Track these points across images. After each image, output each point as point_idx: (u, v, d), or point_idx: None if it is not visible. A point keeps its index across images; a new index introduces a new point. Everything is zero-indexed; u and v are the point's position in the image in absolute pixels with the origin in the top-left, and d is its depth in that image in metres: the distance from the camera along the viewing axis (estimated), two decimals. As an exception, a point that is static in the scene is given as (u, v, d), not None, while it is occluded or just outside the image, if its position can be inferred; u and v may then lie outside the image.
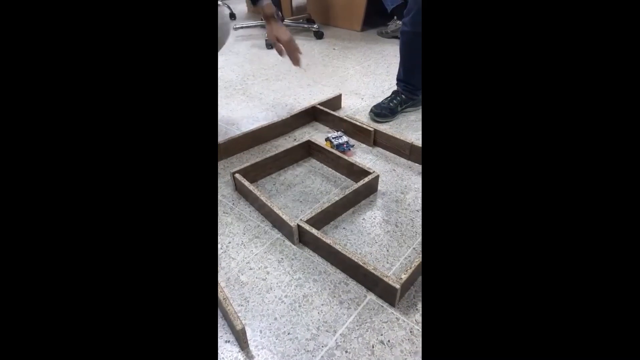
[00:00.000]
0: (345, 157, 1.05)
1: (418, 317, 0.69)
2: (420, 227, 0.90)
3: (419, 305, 0.71)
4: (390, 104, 1.35)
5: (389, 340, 0.66)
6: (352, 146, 1.19)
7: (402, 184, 1.04)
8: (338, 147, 1.14)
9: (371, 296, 0.73)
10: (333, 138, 1.17)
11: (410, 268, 0.71)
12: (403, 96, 1.37)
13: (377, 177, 1.00)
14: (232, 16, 2.72)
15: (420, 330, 0.67)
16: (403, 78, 1.37)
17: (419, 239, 0.86)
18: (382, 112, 1.34)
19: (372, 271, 0.71)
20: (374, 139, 1.21)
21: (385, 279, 0.69)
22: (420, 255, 0.74)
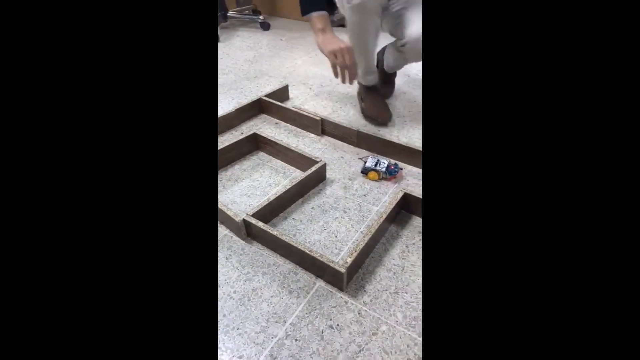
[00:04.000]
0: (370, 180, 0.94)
1: (366, 298, 0.71)
2: (367, 210, 0.92)
3: (367, 287, 0.73)
4: None
5: (337, 324, 0.67)
6: (397, 164, 1.01)
7: (350, 171, 1.06)
8: (389, 172, 0.98)
9: (320, 283, 0.74)
10: (375, 165, 0.99)
11: (356, 251, 0.73)
12: None
13: (325, 165, 1.00)
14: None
15: (368, 310, 0.69)
16: None
17: (366, 222, 0.88)
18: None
19: (319, 258, 0.72)
20: (322, 128, 1.22)
21: (331, 264, 0.70)
22: (365, 237, 0.75)
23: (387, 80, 1.40)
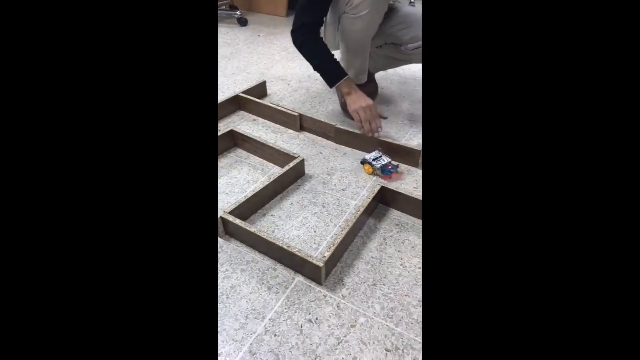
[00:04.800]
0: (386, 181, 0.93)
1: (344, 291, 0.72)
2: (346, 205, 0.93)
3: (345, 280, 0.74)
4: None
5: (316, 318, 0.67)
6: (397, 166, 1.01)
7: (328, 166, 1.06)
8: (383, 171, 0.98)
9: (299, 278, 0.74)
10: (373, 160, 1.00)
11: (334, 245, 0.73)
12: None
13: (303, 161, 1.00)
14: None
15: (346, 303, 0.70)
16: None
17: (345, 217, 0.89)
18: None
19: (297, 253, 0.72)
20: (301, 124, 1.21)
21: (309, 259, 0.71)
22: (343, 231, 0.76)
23: (370, 79, 1.42)
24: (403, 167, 1.05)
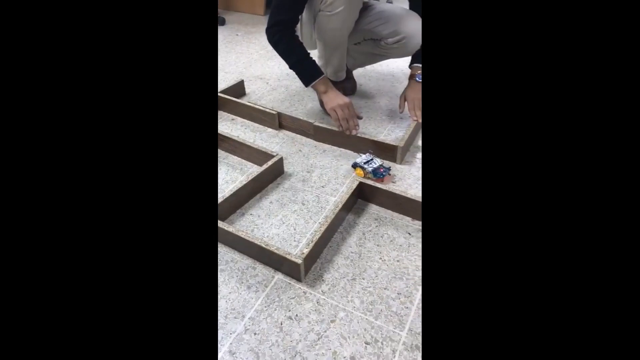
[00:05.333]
0: (382, 184, 0.90)
1: (324, 287, 0.72)
2: (325, 201, 0.93)
3: (325, 276, 0.74)
4: None
5: (296, 315, 0.67)
6: (389, 169, 0.99)
7: (308, 163, 1.06)
8: (375, 174, 0.95)
9: (279, 276, 0.74)
10: (364, 163, 0.97)
11: (312, 242, 0.73)
12: None
13: (281, 159, 1.00)
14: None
15: (326, 299, 0.70)
16: None
17: (324, 213, 0.89)
18: None
19: (275, 251, 0.72)
20: (280, 122, 1.21)
21: (288, 256, 0.71)
22: (322, 228, 0.76)
23: (349, 76, 1.42)
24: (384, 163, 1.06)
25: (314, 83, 1.08)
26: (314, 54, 1.22)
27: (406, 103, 1.16)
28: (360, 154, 1.03)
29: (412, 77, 1.17)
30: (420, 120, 1.13)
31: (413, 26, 1.12)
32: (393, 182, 1.00)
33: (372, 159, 0.99)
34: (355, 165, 1.00)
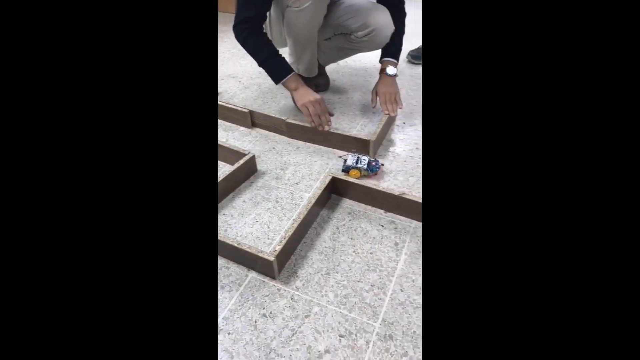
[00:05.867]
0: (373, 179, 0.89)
1: (298, 283, 0.72)
2: (299, 198, 0.93)
3: (299, 272, 0.74)
4: None
5: (270, 312, 0.67)
6: (380, 163, 0.98)
7: (281, 161, 1.06)
8: (371, 169, 0.94)
9: (253, 274, 0.74)
10: (356, 163, 0.94)
11: (285, 238, 0.73)
12: None
13: (253, 157, 0.99)
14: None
15: (300, 294, 0.70)
16: None
17: (298, 210, 0.89)
18: (419, 55, 1.62)
19: (248, 250, 0.71)
20: (252, 120, 1.20)
21: (260, 254, 0.70)
22: (294, 224, 0.76)
23: (321, 72, 1.42)
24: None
25: (284, 80, 1.08)
26: (285, 52, 1.21)
27: (378, 97, 1.17)
28: (345, 158, 0.98)
29: (382, 71, 1.18)
30: (392, 114, 1.14)
31: (381, 18, 1.13)
32: (384, 171, 1.00)
33: (358, 158, 0.97)
34: (347, 169, 0.95)
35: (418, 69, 1.58)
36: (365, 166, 0.95)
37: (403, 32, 1.20)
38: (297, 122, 1.12)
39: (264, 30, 1.10)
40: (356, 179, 0.91)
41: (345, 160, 0.97)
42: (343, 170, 0.97)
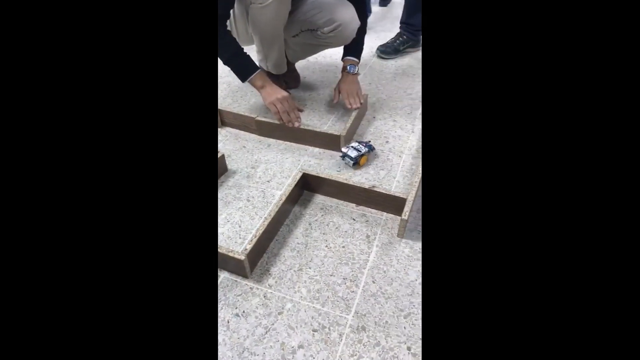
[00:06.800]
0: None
1: (271, 280, 0.72)
2: (271, 196, 0.92)
3: (272, 270, 0.74)
4: (395, 43, 1.64)
5: (243, 311, 0.67)
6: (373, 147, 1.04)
7: (252, 159, 1.05)
8: (370, 148, 1.01)
9: (225, 274, 0.73)
10: (357, 150, 0.99)
11: (256, 237, 0.73)
12: (405, 37, 1.63)
13: (223, 156, 0.98)
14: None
15: (273, 292, 0.70)
16: (406, 20, 1.62)
17: (269, 208, 0.89)
18: (387, 49, 1.62)
19: (218, 250, 0.70)
20: (221, 119, 1.18)
21: (230, 254, 0.69)
22: (265, 222, 0.76)
23: (291, 69, 1.42)
24: (328, 152, 1.07)
25: (250, 78, 1.07)
26: (252, 49, 1.20)
27: (340, 94, 1.18)
28: (345, 149, 1.01)
29: (344, 69, 1.19)
30: (354, 106, 1.15)
31: (347, 13, 1.13)
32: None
33: (356, 146, 1.01)
34: (356, 160, 0.98)
35: (387, 64, 1.60)
36: (366, 149, 1.00)
37: (364, 32, 1.21)
38: (267, 120, 1.11)
39: (227, 28, 1.08)
40: (363, 165, 0.99)
41: (346, 156, 1.00)
42: (354, 165, 1.00)
